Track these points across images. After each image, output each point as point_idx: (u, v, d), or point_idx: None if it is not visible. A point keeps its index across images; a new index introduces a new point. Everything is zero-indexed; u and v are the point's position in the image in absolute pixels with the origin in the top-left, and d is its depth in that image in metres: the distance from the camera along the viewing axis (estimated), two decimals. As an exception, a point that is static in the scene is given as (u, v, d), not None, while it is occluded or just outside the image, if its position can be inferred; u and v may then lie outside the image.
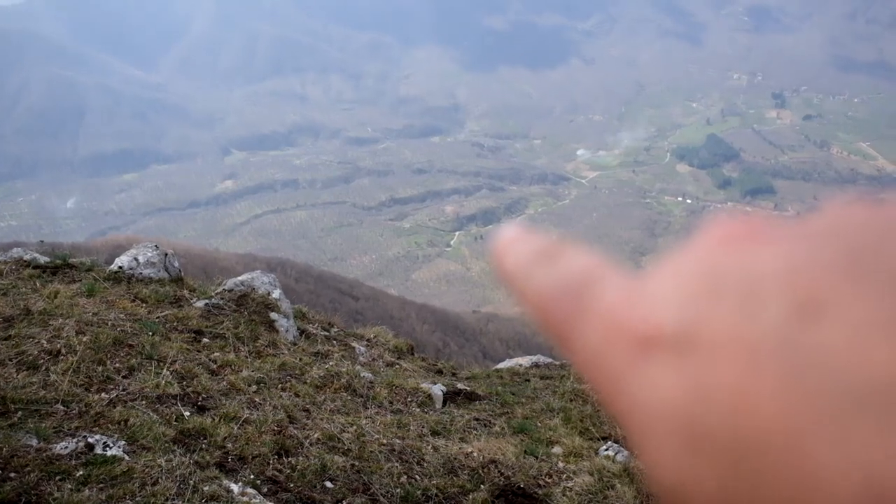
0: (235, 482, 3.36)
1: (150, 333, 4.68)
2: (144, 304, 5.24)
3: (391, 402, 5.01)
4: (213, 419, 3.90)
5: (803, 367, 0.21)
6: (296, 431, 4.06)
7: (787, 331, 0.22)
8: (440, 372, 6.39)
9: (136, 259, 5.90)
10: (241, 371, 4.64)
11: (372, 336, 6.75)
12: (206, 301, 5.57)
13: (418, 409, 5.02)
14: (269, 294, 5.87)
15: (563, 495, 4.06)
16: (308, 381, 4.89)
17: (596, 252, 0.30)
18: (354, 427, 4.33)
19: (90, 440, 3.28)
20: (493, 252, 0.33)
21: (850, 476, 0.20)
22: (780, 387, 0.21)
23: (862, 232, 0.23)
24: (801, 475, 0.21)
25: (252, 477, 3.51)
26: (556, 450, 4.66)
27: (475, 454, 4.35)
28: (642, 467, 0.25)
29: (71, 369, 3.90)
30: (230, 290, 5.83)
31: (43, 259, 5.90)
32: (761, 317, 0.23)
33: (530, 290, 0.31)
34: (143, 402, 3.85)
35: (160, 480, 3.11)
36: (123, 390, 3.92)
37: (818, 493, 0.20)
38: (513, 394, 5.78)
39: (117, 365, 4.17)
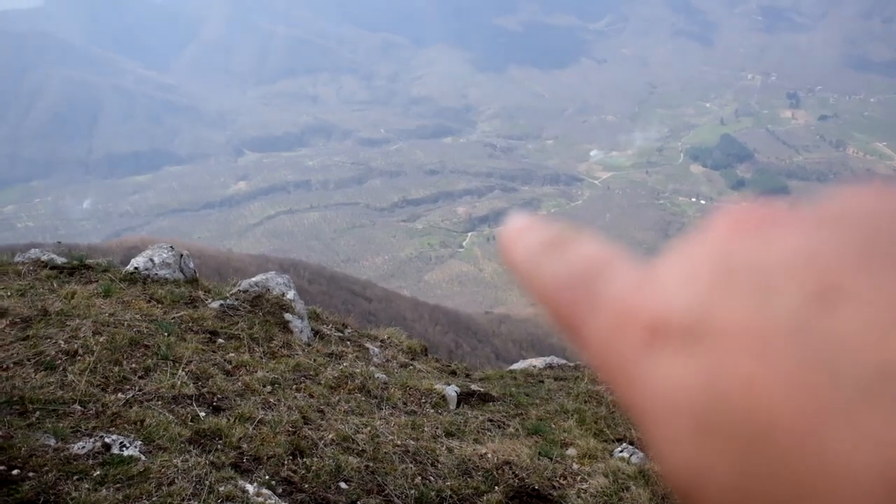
0: (251, 483, 3.37)
1: (166, 334, 4.71)
2: (160, 305, 5.27)
3: (405, 404, 5.00)
4: (229, 420, 3.91)
5: (817, 354, 0.21)
6: (310, 432, 4.07)
7: (801, 318, 0.22)
8: (454, 373, 6.38)
9: (151, 260, 5.93)
10: (256, 372, 4.66)
11: (385, 337, 6.75)
12: (221, 302, 5.59)
13: (432, 411, 5.01)
14: (283, 295, 5.89)
15: (578, 497, 4.04)
16: (322, 381, 4.90)
17: (605, 241, 0.30)
18: (369, 428, 4.33)
19: (107, 440, 3.30)
20: (501, 242, 0.33)
21: (867, 461, 0.20)
22: (794, 374, 0.21)
23: (876, 217, 0.23)
24: (817, 462, 0.20)
25: (267, 477, 3.52)
26: (571, 451, 4.64)
27: (489, 455, 4.34)
28: (655, 459, 0.25)
29: (88, 370, 3.93)
30: (245, 291, 5.85)
31: (60, 260, 5.95)
32: (774, 304, 0.22)
33: (539, 280, 0.31)
34: (159, 402, 3.88)
35: (176, 480, 3.13)
36: (140, 391, 3.94)
37: (834, 479, 0.20)
38: (527, 395, 5.76)
39: (133, 365, 4.19)
